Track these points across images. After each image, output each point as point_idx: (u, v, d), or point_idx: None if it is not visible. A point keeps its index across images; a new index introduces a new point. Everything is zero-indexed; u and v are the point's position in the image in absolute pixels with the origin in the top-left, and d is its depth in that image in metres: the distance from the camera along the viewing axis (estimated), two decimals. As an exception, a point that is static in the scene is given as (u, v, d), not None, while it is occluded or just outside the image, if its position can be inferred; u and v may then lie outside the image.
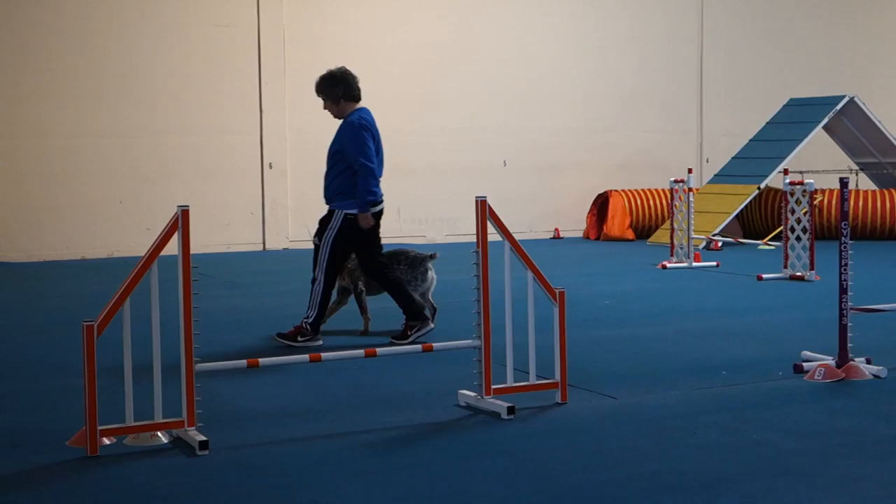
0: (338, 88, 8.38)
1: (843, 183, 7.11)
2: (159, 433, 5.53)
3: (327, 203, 8.43)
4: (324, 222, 8.45)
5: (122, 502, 4.72)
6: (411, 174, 17.68)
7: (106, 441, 5.41)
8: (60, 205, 15.63)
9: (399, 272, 8.72)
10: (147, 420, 5.47)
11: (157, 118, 16.13)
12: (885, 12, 21.62)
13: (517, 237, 6.30)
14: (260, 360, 6.05)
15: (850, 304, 6.95)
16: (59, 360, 7.83)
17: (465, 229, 16.99)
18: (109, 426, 5.38)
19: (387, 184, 17.89)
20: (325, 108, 8.50)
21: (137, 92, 16.04)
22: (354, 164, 8.27)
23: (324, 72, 8.48)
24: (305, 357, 6.14)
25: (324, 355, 6.17)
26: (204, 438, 5.38)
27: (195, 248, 5.88)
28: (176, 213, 5.43)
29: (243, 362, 5.99)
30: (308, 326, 8.32)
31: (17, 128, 15.48)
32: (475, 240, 6.10)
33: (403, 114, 17.59)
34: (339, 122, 8.54)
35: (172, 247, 5.44)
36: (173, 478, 5.02)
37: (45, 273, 13.98)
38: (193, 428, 5.48)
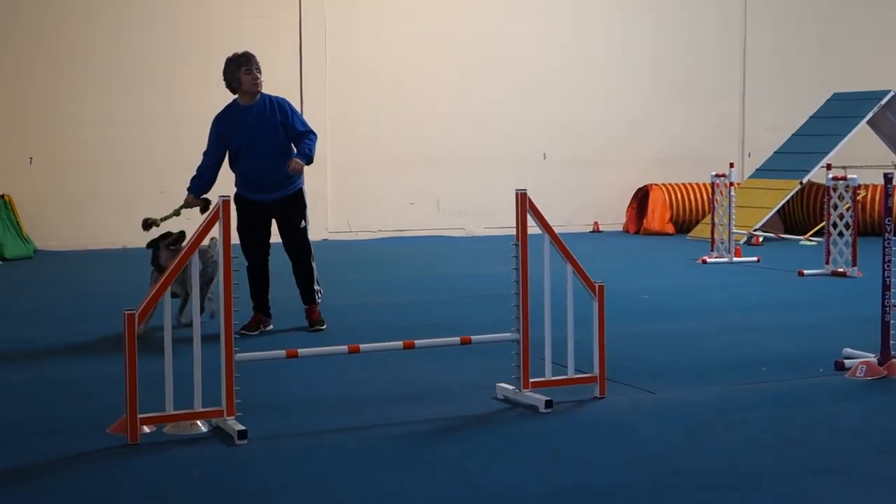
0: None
1: (888, 178, 7.05)
2: (199, 422, 5.57)
3: (283, 188, 8.39)
4: (284, 209, 8.46)
5: (161, 490, 4.76)
6: (450, 166, 17.68)
7: (146, 429, 5.46)
8: (101, 194, 15.74)
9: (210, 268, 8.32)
10: (187, 409, 5.51)
11: (201, 108, 16.04)
12: (932, 6, 21.37)
13: (556, 230, 6.28)
14: (299, 350, 6.07)
15: (892, 300, 6.89)
16: (100, 349, 7.90)
17: (504, 222, 16.94)
18: (149, 414, 5.43)
19: (425, 176, 17.93)
20: (256, 81, 8.31)
21: (181, 82, 16.09)
22: (301, 133, 8.30)
23: (233, 53, 8.46)
24: (344, 348, 6.17)
25: (362, 347, 6.19)
26: (242, 428, 5.41)
27: (234, 239, 5.91)
28: (217, 203, 5.46)
29: (282, 352, 6.01)
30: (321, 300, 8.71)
31: (59, 118, 15.59)
32: (514, 233, 6.09)
33: (443, 106, 17.59)
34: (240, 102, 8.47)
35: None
36: (212, 467, 5.06)
37: (86, 262, 14.10)
38: (232, 417, 5.52)
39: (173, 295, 7.54)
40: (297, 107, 8.81)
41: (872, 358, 6.92)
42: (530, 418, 5.89)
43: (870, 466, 5.00)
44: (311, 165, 8.47)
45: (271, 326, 8.71)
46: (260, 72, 8.35)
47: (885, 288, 6.86)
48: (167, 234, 8.74)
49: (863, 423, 5.79)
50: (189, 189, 8.57)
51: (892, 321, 6.87)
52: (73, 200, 15.65)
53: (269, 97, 8.45)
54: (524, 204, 6.05)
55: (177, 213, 8.64)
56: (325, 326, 8.68)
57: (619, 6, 18.94)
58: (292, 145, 8.41)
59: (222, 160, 8.56)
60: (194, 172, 8.61)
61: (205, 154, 8.61)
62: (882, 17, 20.91)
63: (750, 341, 8.17)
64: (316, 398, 6.40)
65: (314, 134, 8.43)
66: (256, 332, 8.48)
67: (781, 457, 5.16)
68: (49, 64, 15.58)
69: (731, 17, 19.84)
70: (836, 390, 6.51)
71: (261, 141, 8.35)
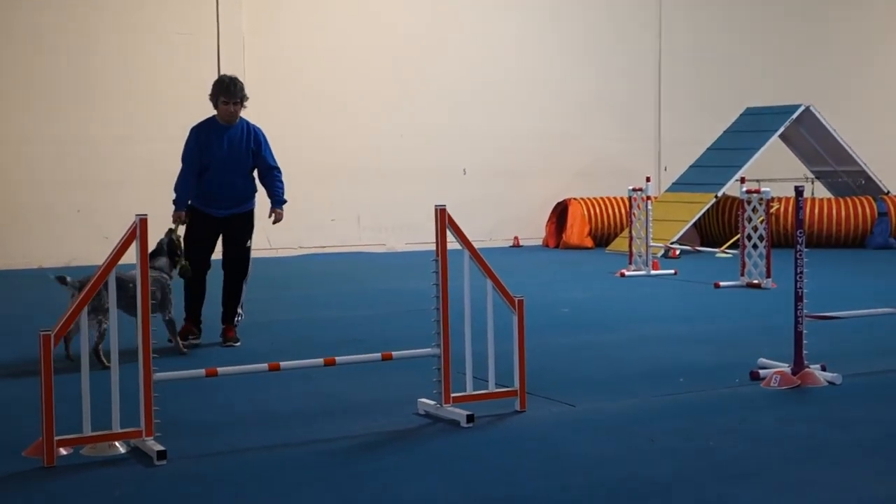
0: (246, 95, 8.75)
1: (799, 191, 7.19)
2: (117, 443, 5.50)
3: (237, 206, 8.71)
4: (233, 226, 8.73)
5: (79, 513, 4.69)
6: (371, 182, 17.69)
7: (63, 451, 5.38)
8: (17, 213, 15.48)
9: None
10: (105, 430, 5.44)
11: (116, 125, 16.03)
12: (840, 23, 21.86)
13: (476, 245, 6.32)
14: (219, 369, 6.03)
15: (805, 311, 7.02)
16: (16, 370, 7.76)
17: (424, 237, 16.94)
18: (66, 436, 5.34)
19: (346, 192, 17.89)
20: (231, 112, 8.63)
21: (96, 98, 15.92)
22: (270, 168, 8.77)
23: (225, 76, 8.79)
24: (264, 366, 6.13)
25: (283, 364, 6.16)
26: (162, 448, 5.36)
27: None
28: (134, 221, 5.41)
29: (202, 371, 5.97)
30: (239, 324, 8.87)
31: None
32: (435, 248, 6.12)
33: (362, 119, 17.60)
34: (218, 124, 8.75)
35: (130, 256, 5.42)
36: (131, 488, 5.00)
37: (1, 282, 13.84)
38: (151, 438, 5.46)
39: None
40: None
41: (786, 368, 7.05)
42: (452, 433, 5.91)
43: (786, 474, 5.09)
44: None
45: (198, 341, 8.76)
46: (240, 102, 8.65)
47: (798, 299, 7.00)
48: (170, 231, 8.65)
49: (778, 431, 5.90)
50: (175, 202, 8.66)
51: (804, 331, 7.01)
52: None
53: (247, 123, 8.82)
54: (443, 219, 6.08)
55: (171, 233, 8.59)
56: (238, 343, 8.72)
57: (539, 22, 19.12)
58: (255, 176, 8.85)
59: (199, 162, 8.69)
60: (175, 187, 8.69)
61: (184, 163, 8.73)
62: (794, 33, 21.36)
63: (668, 352, 8.27)
64: (237, 416, 6.35)
65: (279, 171, 8.84)
66: (184, 341, 8.53)
67: (699, 465, 5.24)
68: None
69: (646, 33, 20.13)
70: (752, 400, 6.63)
71: (230, 161, 8.65)
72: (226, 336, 8.78)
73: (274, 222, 8.90)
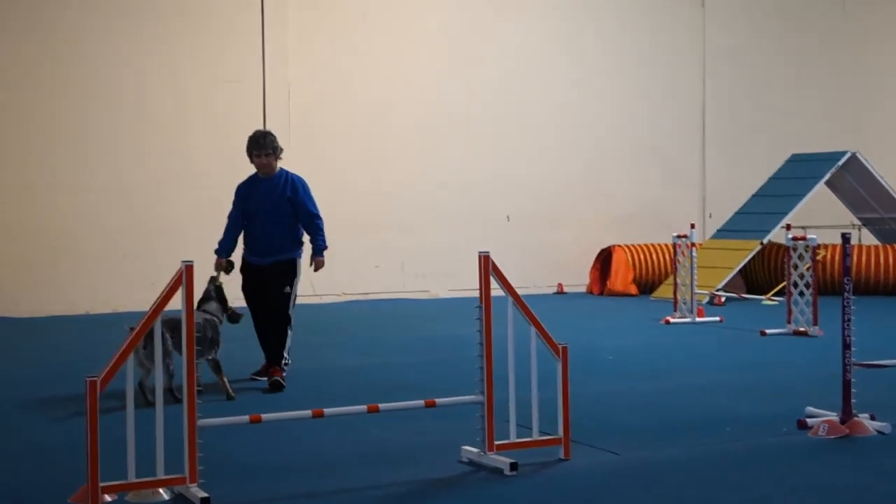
0: (279, 146, 9.19)
1: (846, 238, 7.13)
2: (161, 489, 5.51)
3: (277, 254, 9.06)
4: (274, 274, 9.04)
5: (123, 559, 4.70)
6: (414, 228, 17.73)
7: (108, 498, 5.40)
8: (63, 259, 15.64)
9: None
10: (149, 476, 5.46)
11: (163, 173, 16.20)
12: (887, 69, 21.75)
13: (520, 291, 6.31)
14: (263, 415, 6.04)
15: (853, 359, 6.95)
16: (62, 415, 7.82)
17: (468, 283, 16.95)
18: (111, 482, 5.36)
19: (390, 239, 17.97)
20: (263, 164, 9.12)
21: (144, 146, 16.11)
22: (310, 216, 9.14)
23: (256, 131, 9.39)
24: (308, 413, 6.14)
25: (326, 411, 6.16)
26: (206, 495, 5.37)
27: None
28: (180, 268, 5.46)
29: (246, 417, 5.98)
30: (287, 369, 9.05)
31: (20, 182, 15.51)
32: (478, 294, 6.12)
33: (406, 168, 17.67)
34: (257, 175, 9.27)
35: (176, 302, 5.46)
36: (175, 534, 5.01)
37: (48, 328, 13.98)
38: (195, 484, 5.47)
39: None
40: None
41: (834, 416, 6.96)
42: (495, 481, 5.88)
43: (834, 525, 5.02)
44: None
45: (269, 377, 9.04)
46: (272, 153, 9.10)
47: (846, 347, 6.93)
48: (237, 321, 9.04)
49: (826, 481, 5.82)
50: (216, 252, 9.21)
51: (852, 380, 6.93)
52: (34, 266, 15.49)
53: (287, 173, 9.25)
54: (487, 266, 6.09)
55: (213, 280, 8.96)
56: (282, 389, 8.82)
57: (583, 69, 19.16)
58: (300, 225, 9.23)
59: (243, 223, 9.23)
60: (221, 236, 9.29)
61: (229, 217, 9.33)
62: (839, 79, 21.26)
63: (713, 401, 8.20)
64: (281, 463, 6.36)
65: (321, 219, 9.19)
66: (266, 377, 9.00)
67: (746, 517, 5.18)
68: (8, 129, 15.51)
69: (691, 79, 20.12)
70: (800, 449, 6.54)
71: (267, 209, 9.09)
72: (270, 378, 8.92)
73: (315, 270, 9.17)
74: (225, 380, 8.52)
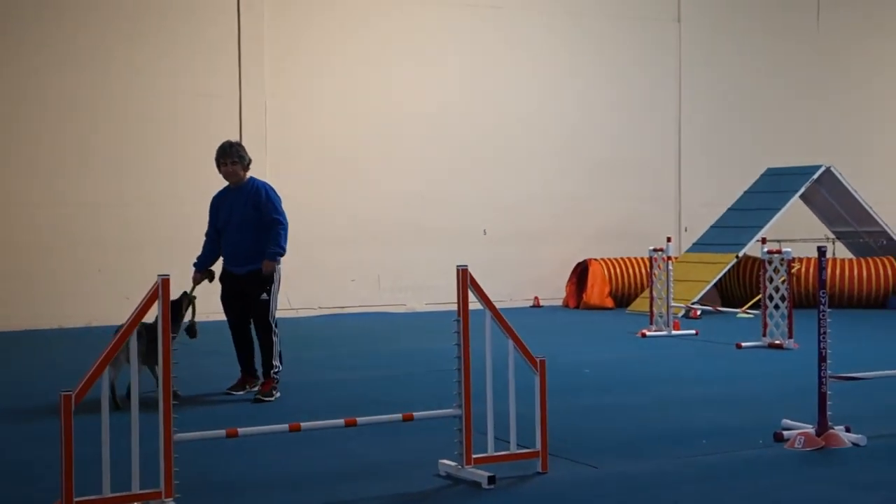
0: (247, 156, 9.25)
1: (821, 251, 7.17)
2: (136, 504, 5.48)
3: (252, 262, 9.05)
4: (250, 282, 9.06)
5: (98, 575, 4.66)
6: (391, 243, 17.72)
7: (82, 512, 5.35)
8: (37, 273, 15.55)
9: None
10: (124, 491, 5.42)
11: (138, 187, 16.15)
12: (860, 84, 21.91)
13: (497, 305, 6.31)
14: (239, 429, 6.01)
15: (828, 371, 6.98)
16: (36, 430, 7.76)
17: (445, 297, 16.98)
18: (86, 497, 5.32)
19: (366, 253, 17.91)
20: (229, 172, 9.18)
21: (119, 160, 16.05)
22: (272, 220, 9.08)
23: (223, 141, 9.35)
24: (285, 427, 6.11)
25: (303, 425, 6.13)
26: (182, 509, 5.33)
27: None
28: (156, 281, 5.43)
29: (222, 432, 5.95)
30: (278, 377, 9.06)
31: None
32: (456, 308, 6.12)
33: (382, 182, 17.67)
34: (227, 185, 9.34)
35: (152, 315, 5.43)
36: (150, 549, 4.97)
37: (21, 342, 13.88)
38: (171, 499, 5.43)
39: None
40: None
41: (810, 429, 6.98)
42: (474, 494, 5.86)
43: (811, 537, 5.04)
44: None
45: (257, 388, 9.17)
46: (238, 162, 9.15)
47: (822, 359, 6.96)
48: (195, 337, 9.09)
49: (803, 494, 5.84)
50: (194, 265, 9.31)
51: (828, 392, 6.95)
52: (7, 279, 15.40)
53: (255, 182, 9.29)
54: (465, 280, 6.09)
55: (187, 294, 9.06)
56: (271, 399, 8.91)
57: (561, 85, 19.23)
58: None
59: (218, 236, 9.32)
60: (199, 250, 9.39)
61: (206, 233, 9.42)
62: (813, 94, 21.40)
63: (690, 414, 8.21)
64: (257, 477, 6.33)
65: (281, 224, 9.13)
66: (242, 392, 9.16)
67: (723, 529, 5.18)
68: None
69: (666, 94, 20.21)
70: (777, 462, 6.56)
71: (237, 220, 9.14)
72: (260, 390, 9.03)
73: (263, 271, 9.05)
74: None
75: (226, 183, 9.33)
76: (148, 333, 8.25)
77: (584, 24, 19.47)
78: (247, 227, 9.12)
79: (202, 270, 9.24)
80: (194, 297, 9.06)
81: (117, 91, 16.09)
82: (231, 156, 9.12)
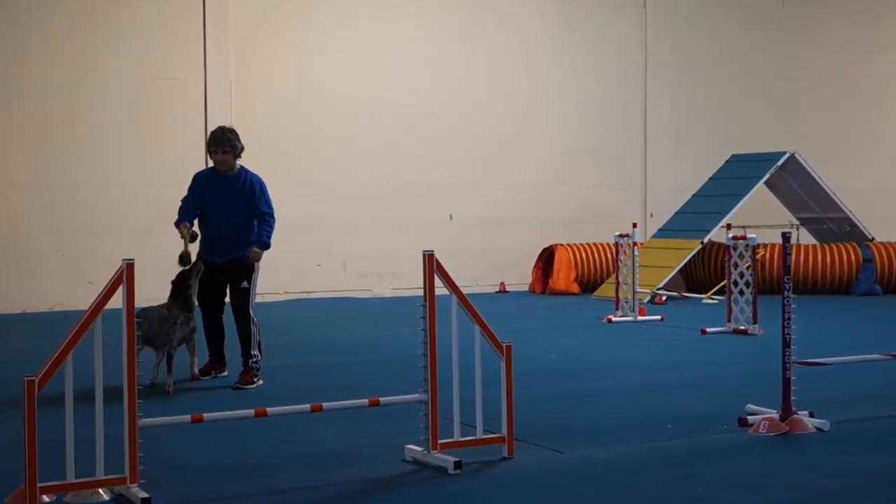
0: (240, 144, 9.07)
1: (786, 238, 7.20)
2: (101, 490, 5.44)
3: (233, 252, 8.99)
4: (230, 270, 9.03)
5: (61, 561, 4.63)
6: (357, 228, 17.69)
7: (46, 498, 5.32)
8: (1, 257, 15.42)
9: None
10: (89, 476, 5.39)
11: (102, 170, 16.03)
12: (825, 71, 22.04)
13: (464, 291, 6.31)
14: (204, 415, 5.98)
15: (793, 357, 7.02)
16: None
17: (411, 283, 16.97)
18: (50, 483, 5.28)
19: (332, 238, 17.86)
20: (221, 160, 9.03)
21: (82, 143, 15.93)
22: (263, 214, 9.03)
23: (218, 127, 9.18)
24: (251, 412, 6.09)
25: (269, 410, 6.11)
26: (146, 495, 5.30)
27: (140, 302, 5.83)
28: (121, 266, 5.39)
29: (187, 417, 5.92)
30: (258, 365, 9.02)
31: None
32: (422, 294, 6.11)
33: (348, 167, 17.63)
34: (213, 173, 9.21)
35: (116, 300, 5.39)
36: (115, 536, 4.94)
37: (-16, 327, 13.76)
38: (136, 485, 5.40)
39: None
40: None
41: (774, 414, 7.03)
42: (440, 480, 5.87)
43: (774, 521, 5.07)
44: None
45: (225, 373, 9.26)
46: (229, 151, 8.98)
47: (786, 345, 7.00)
48: (188, 265, 8.96)
49: (766, 479, 5.87)
50: (178, 220, 8.98)
51: (792, 377, 7.00)
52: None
53: (247, 172, 9.16)
54: (431, 265, 6.08)
55: (187, 243, 8.93)
56: (252, 386, 8.91)
57: (526, 73, 19.23)
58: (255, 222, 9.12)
59: (199, 204, 9.07)
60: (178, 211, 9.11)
61: (184, 201, 9.14)
62: (778, 80, 21.51)
63: (655, 399, 8.25)
64: (223, 463, 6.30)
65: (272, 218, 9.10)
66: (209, 377, 9.20)
67: (688, 514, 5.21)
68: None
69: (632, 80, 20.26)
70: (741, 447, 6.60)
71: (226, 208, 9.01)
72: (240, 378, 8.99)
73: (248, 260, 9.00)
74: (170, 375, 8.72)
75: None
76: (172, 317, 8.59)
77: (551, 11, 19.47)
78: (234, 218, 9.01)
79: (186, 220, 8.89)
80: (188, 253, 8.82)
81: (80, 73, 15.94)
82: (223, 144, 8.95)
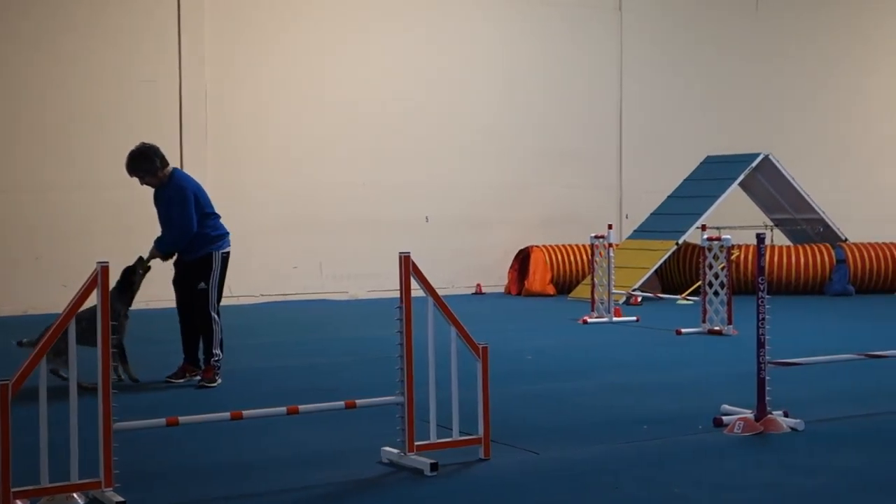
0: (152, 163, 9.04)
1: (760, 238, 7.24)
2: (75, 494, 5.41)
3: (192, 252, 9.07)
4: (190, 270, 9.11)
5: (36, 566, 4.60)
6: (333, 230, 17.66)
7: (20, 503, 5.28)
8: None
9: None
10: (63, 481, 5.35)
11: (76, 173, 15.94)
12: (800, 73, 22.15)
13: (439, 292, 6.31)
14: (180, 418, 5.96)
15: (767, 357, 7.06)
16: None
17: (388, 285, 16.95)
18: (24, 488, 5.25)
19: (308, 240, 17.84)
20: (143, 184, 9.17)
21: (56, 146, 15.84)
22: (172, 225, 9.05)
23: (127, 156, 9.14)
24: (226, 415, 6.07)
25: (245, 413, 6.10)
26: (122, 499, 5.28)
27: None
28: (95, 269, 5.37)
29: (163, 420, 5.90)
30: (220, 364, 9.05)
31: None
32: (398, 295, 6.11)
33: (324, 169, 17.60)
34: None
35: (91, 303, 5.37)
36: (90, 540, 4.92)
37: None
38: (111, 488, 5.38)
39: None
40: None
41: (749, 414, 7.06)
42: (416, 482, 5.87)
43: (749, 521, 5.09)
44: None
45: (199, 376, 9.14)
46: (143, 175, 9.05)
47: (760, 345, 7.03)
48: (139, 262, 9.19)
49: (742, 478, 5.90)
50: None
51: (766, 378, 7.03)
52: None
53: (173, 181, 9.11)
54: (408, 266, 6.08)
55: (141, 261, 9.19)
56: (214, 385, 8.96)
57: (502, 75, 19.25)
58: (214, 223, 9.26)
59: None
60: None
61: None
62: (753, 82, 21.61)
63: (631, 399, 8.28)
64: (198, 466, 6.28)
65: (178, 230, 9.01)
66: (182, 380, 9.13)
67: (664, 514, 5.23)
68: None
69: (608, 82, 20.31)
70: (716, 447, 6.63)
71: (163, 215, 9.18)
72: (202, 377, 9.04)
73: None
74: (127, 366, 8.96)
75: (167, 164, 9.24)
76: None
77: (526, 12, 19.51)
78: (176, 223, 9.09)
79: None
80: (149, 267, 9.17)
81: (53, 76, 15.85)
82: (135, 172, 9.06)
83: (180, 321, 9.30)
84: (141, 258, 9.13)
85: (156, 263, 9.27)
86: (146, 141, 9.23)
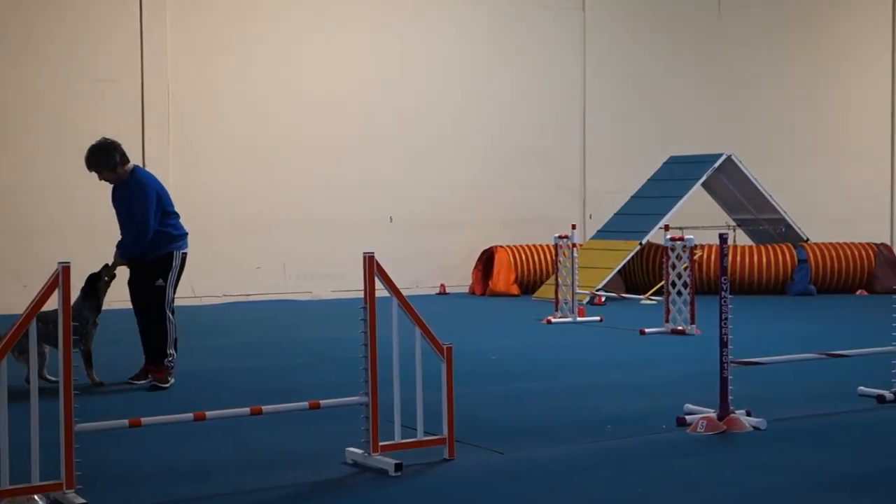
0: (112, 157, 8.95)
1: (723, 238, 7.28)
2: (36, 496, 5.36)
3: (150, 252, 8.95)
4: (148, 268, 9.00)
5: (-4, 569, 4.56)
6: (296, 230, 17.60)
7: (-21, 505, 5.24)
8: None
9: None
10: (23, 482, 5.30)
11: (36, 172, 15.80)
12: (761, 73, 22.29)
13: (404, 293, 6.30)
14: (142, 419, 5.92)
15: (730, 357, 7.09)
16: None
17: (352, 285, 16.91)
18: (-17, 490, 5.21)
19: (271, 240, 17.78)
20: (102, 179, 9.08)
21: (15, 146, 15.70)
22: (134, 224, 8.92)
23: (87, 150, 9.06)
24: (189, 416, 6.04)
25: (208, 414, 6.07)
26: (83, 501, 5.24)
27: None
28: (56, 269, 5.32)
29: (125, 421, 5.85)
30: (173, 364, 8.99)
31: None
32: (362, 296, 6.09)
33: (288, 169, 17.53)
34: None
35: (51, 304, 5.32)
36: (51, 542, 4.87)
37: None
38: (72, 490, 5.33)
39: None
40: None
41: (712, 413, 7.10)
42: (380, 482, 5.86)
43: (713, 520, 5.12)
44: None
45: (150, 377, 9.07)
46: (102, 169, 8.97)
47: (723, 345, 7.07)
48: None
49: (705, 477, 5.93)
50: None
51: (729, 377, 7.07)
52: None
53: (134, 178, 9.02)
54: (372, 266, 6.06)
55: (106, 268, 9.12)
56: (167, 385, 8.90)
57: (465, 71, 19.25)
58: (174, 222, 9.19)
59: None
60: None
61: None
62: (715, 83, 21.72)
63: (595, 400, 8.30)
64: (161, 467, 6.24)
65: (138, 229, 8.89)
66: (144, 381, 9.00)
67: (628, 513, 5.24)
68: None
69: (572, 82, 20.35)
70: (679, 446, 6.66)
71: (122, 213, 9.06)
72: (155, 377, 8.95)
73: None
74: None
75: (129, 163, 9.15)
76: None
77: (489, 12, 19.52)
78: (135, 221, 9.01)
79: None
80: (114, 274, 9.10)
81: (12, 75, 15.70)
82: (94, 166, 8.96)
83: (138, 322, 9.20)
84: (107, 265, 9.04)
85: (121, 270, 9.20)
86: (101, 142, 9.09)
